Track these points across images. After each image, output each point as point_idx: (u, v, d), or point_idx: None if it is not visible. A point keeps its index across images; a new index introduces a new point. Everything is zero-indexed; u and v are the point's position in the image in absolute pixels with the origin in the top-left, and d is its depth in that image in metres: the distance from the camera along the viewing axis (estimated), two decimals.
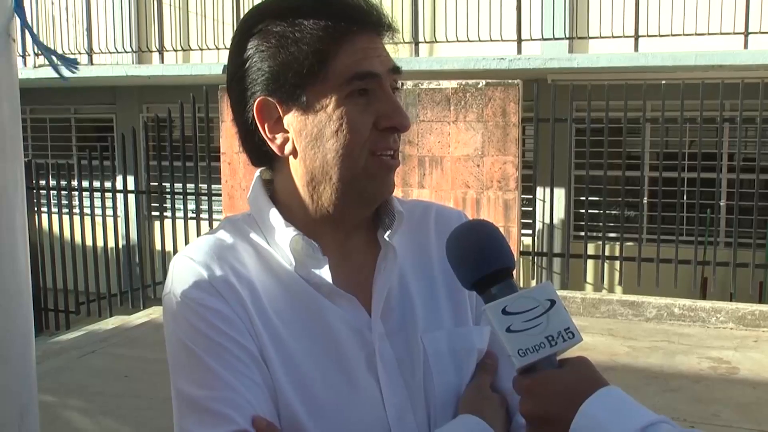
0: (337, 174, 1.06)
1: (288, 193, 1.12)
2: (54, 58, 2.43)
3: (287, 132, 1.07)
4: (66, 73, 2.46)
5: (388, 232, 1.13)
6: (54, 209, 8.93)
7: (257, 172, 1.17)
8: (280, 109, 1.07)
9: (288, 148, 1.08)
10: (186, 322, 1.04)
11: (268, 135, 1.08)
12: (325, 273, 1.08)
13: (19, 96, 2.41)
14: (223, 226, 1.14)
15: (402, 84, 1.04)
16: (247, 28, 1.08)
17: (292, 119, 1.06)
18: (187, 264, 1.07)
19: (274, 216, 1.10)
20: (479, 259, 1.00)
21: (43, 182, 8.76)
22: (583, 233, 8.08)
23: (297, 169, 1.09)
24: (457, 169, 6.90)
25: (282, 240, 1.09)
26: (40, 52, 9.67)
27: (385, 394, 1.07)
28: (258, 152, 1.12)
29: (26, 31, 2.48)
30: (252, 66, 1.06)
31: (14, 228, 2.35)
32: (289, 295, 1.08)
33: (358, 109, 1.04)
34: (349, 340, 1.07)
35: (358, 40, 1.05)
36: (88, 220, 8.64)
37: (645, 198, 8.95)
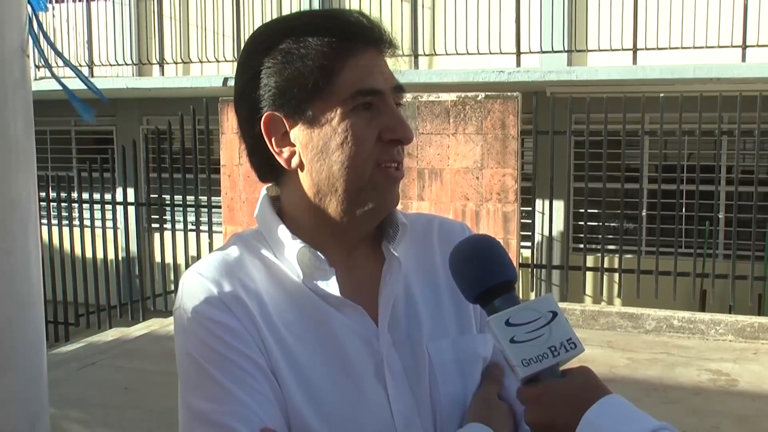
0: (342, 185, 1.08)
1: (295, 207, 1.14)
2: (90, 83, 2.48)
3: (294, 146, 1.10)
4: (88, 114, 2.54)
5: (392, 244, 1.15)
6: (54, 221, 8.93)
7: (263, 189, 1.20)
8: (286, 124, 1.09)
9: (295, 161, 1.10)
10: (195, 337, 1.06)
11: (276, 149, 1.10)
12: (332, 284, 1.10)
13: (32, 110, 2.42)
14: (233, 242, 1.16)
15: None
16: (254, 46, 1.11)
17: (298, 133, 1.09)
18: (197, 280, 1.09)
19: (282, 230, 1.12)
20: (482, 272, 1.02)
21: (43, 194, 8.77)
22: (582, 245, 8.09)
23: (304, 182, 1.11)
24: (457, 182, 6.92)
25: (290, 253, 1.11)
26: (42, 64, 9.70)
27: (393, 403, 1.09)
28: (265, 167, 1.14)
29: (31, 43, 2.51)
30: (259, 82, 1.08)
31: (27, 239, 2.37)
32: (297, 307, 1.10)
33: (362, 122, 1.07)
34: (358, 349, 1.09)
35: (362, 56, 1.07)
36: (88, 232, 8.66)
37: (644, 210, 8.97)
